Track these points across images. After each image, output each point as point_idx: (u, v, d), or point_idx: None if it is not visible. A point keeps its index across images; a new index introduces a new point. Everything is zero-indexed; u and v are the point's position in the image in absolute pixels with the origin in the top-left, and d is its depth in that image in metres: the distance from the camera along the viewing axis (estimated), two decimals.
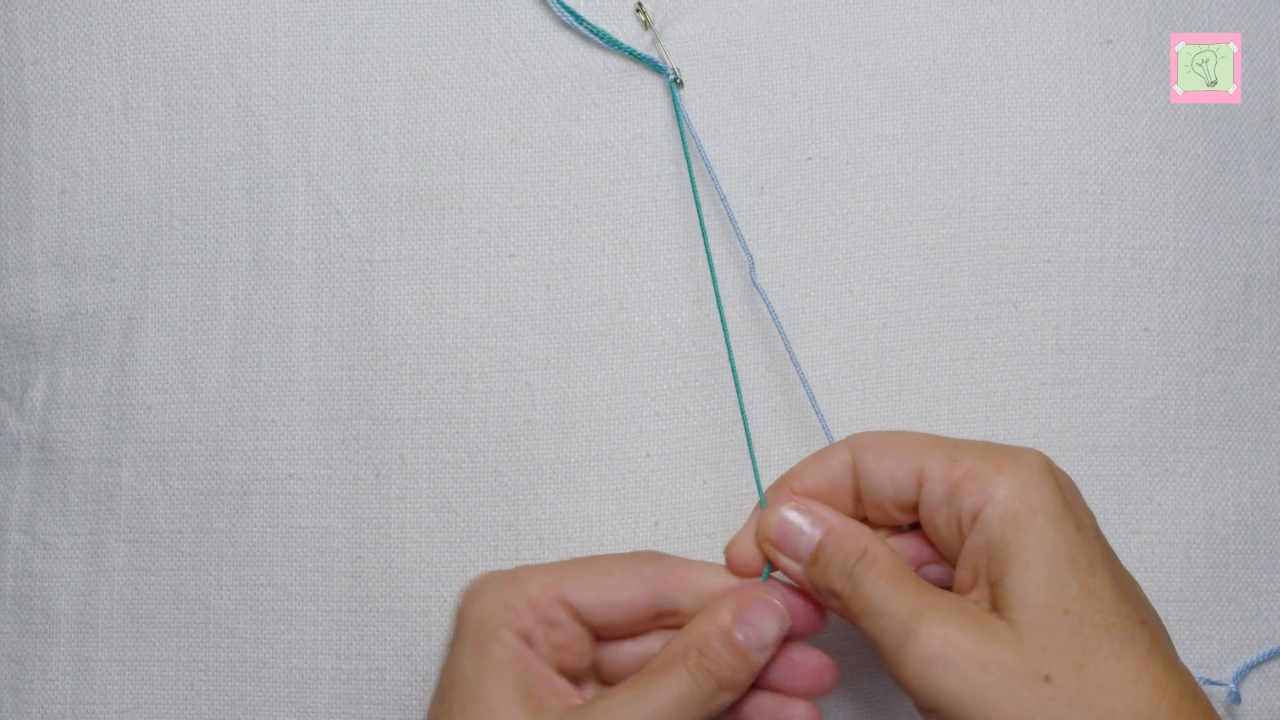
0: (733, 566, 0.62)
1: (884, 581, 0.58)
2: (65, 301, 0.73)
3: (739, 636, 0.60)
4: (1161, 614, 0.70)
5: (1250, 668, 0.71)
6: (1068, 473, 0.61)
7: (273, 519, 0.71)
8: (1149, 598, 0.68)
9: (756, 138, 0.71)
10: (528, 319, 0.71)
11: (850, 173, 0.71)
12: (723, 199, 0.70)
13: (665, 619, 0.62)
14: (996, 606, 0.57)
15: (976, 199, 0.71)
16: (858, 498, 0.61)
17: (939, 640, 0.56)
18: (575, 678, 0.62)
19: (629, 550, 0.66)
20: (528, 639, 0.60)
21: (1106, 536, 0.68)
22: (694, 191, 0.70)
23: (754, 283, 0.70)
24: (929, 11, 0.72)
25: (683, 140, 0.71)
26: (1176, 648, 0.61)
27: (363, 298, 0.71)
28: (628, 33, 0.72)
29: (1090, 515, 0.59)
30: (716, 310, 0.71)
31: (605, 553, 0.70)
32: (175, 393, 0.72)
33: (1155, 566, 0.71)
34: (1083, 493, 0.69)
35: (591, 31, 0.71)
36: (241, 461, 0.71)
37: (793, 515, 0.61)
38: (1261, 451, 0.73)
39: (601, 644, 0.63)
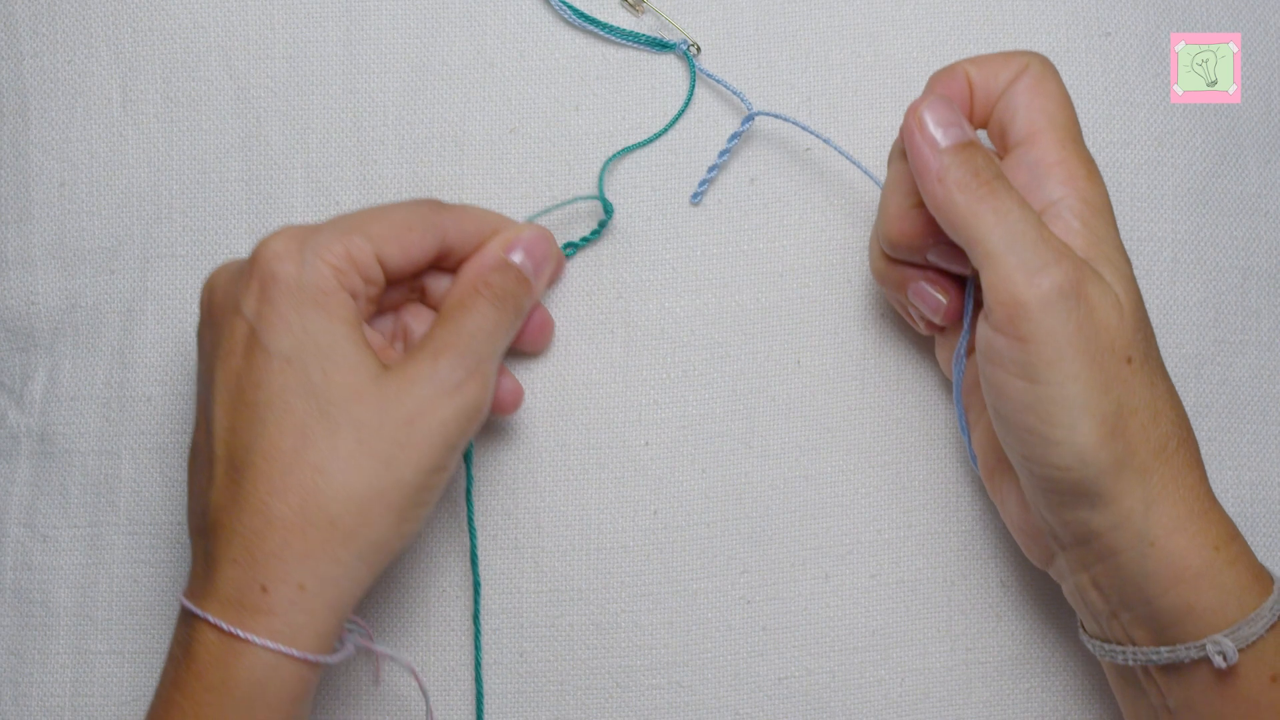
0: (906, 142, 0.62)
1: (1025, 204, 0.60)
2: (65, 294, 0.73)
3: (516, 259, 0.66)
4: None
5: None
6: None
7: None
8: None
9: (755, 128, 0.72)
10: None
11: (849, 164, 0.71)
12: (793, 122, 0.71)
13: (440, 262, 0.67)
14: (1088, 298, 0.60)
15: None
16: (994, 105, 0.64)
17: (1075, 281, 0.58)
18: (369, 321, 0.66)
19: (636, 530, 0.69)
20: (355, 298, 0.63)
21: None
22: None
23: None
24: (928, 2, 0.72)
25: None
26: None
27: None
28: (625, 23, 0.72)
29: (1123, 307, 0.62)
30: (715, 299, 0.71)
31: (603, 538, 0.70)
32: (175, 385, 0.72)
33: None
34: None
35: (596, 26, 0.71)
36: None
37: (948, 108, 0.62)
38: (1260, 443, 0.73)
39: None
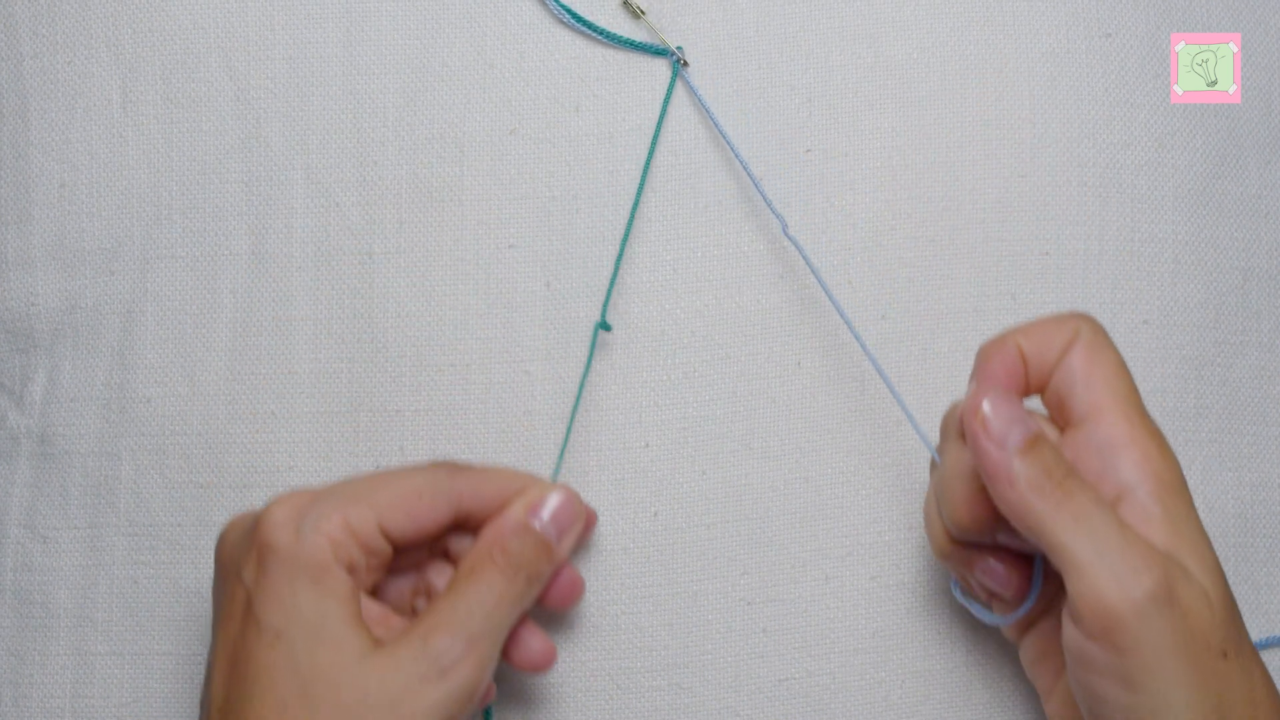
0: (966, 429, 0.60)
1: (1103, 505, 0.57)
2: (65, 295, 0.73)
3: (536, 525, 0.64)
4: None
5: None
6: None
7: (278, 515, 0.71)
8: None
9: (755, 130, 0.72)
10: (527, 310, 0.71)
11: (849, 165, 0.71)
12: (745, 167, 0.71)
13: (460, 525, 0.65)
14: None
15: (975, 191, 0.71)
16: (1049, 375, 0.62)
17: (1166, 587, 0.56)
18: (376, 591, 0.64)
19: (636, 532, 0.68)
20: (352, 570, 0.62)
21: None
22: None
23: (787, 235, 0.69)
24: (928, 4, 0.72)
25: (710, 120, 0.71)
26: None
27: (362, 290, 0.71)
28: (624, 26, 0.72)
29: (1216, 606, 0.59)
30: (714, 300, 0.71)
31: (603, 540, 0.70)
32: (175, 386, 0.72)
33: None
34: None
35: (591, 29, 0.71)
36: (241, 454, 0.71)
37: (1010, 402, 0.58)
38: (1260, 445, 0.73)
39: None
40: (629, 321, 0.71)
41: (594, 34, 0.72)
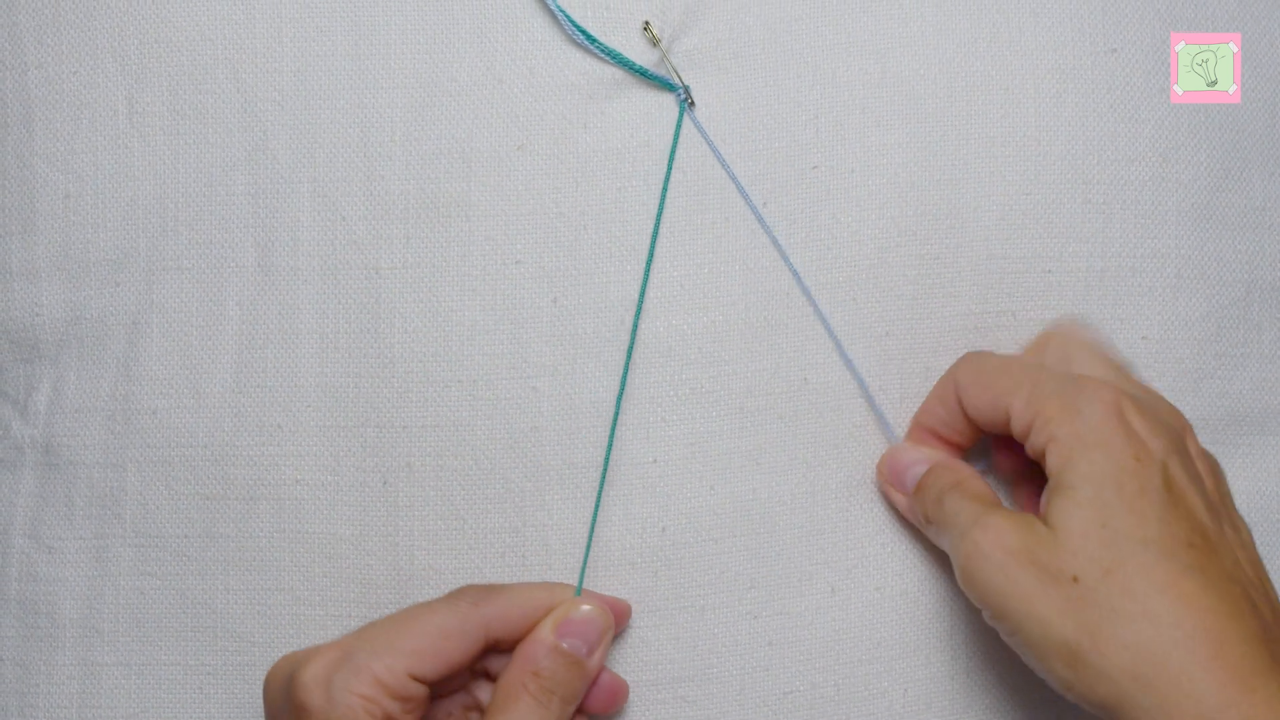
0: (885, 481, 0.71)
1: (962, 499, 0.65)
2: (69, 306, 0.73)
3: (566, 646, 0.65)
4: None
5: None
6: None
7: (279, 525, 0.71)
8: None
9: (762, 147, 0.72)
10: (534, 326, 0.71)
11: (855, 181, 0.71)
12: (754, 208, 0.71)
13: (492, 649, 0.66)
14: (1046, 521, 0.62)
15: (980, 208, 0.72)
16: (968, 423, 0.69)
17: (988, 539, 0.62)
18: None
19: (644, 548, 0.70)
20: None
21: None
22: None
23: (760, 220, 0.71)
24: (934, 21, 0.72)
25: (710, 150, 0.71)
26: None
27: (369, 304, 0.71)
28: (636, 45, 0.72)
29: (1171, 447, 0.63)
30: (723, 317, 0.71)
31: (611, 555, 0.70)
32: (180, 397, 0.72)
33: None
34: None
35: (602, 50, 0.71)
36: (247, 467, 0.71)
37: (901, 453, 0.70)
38: (1258, 457, 0.73)
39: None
40: (638, 338, 0.71)
41: (605, 57, 0.71)
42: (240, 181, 0.72)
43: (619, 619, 0.69)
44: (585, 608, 0.66)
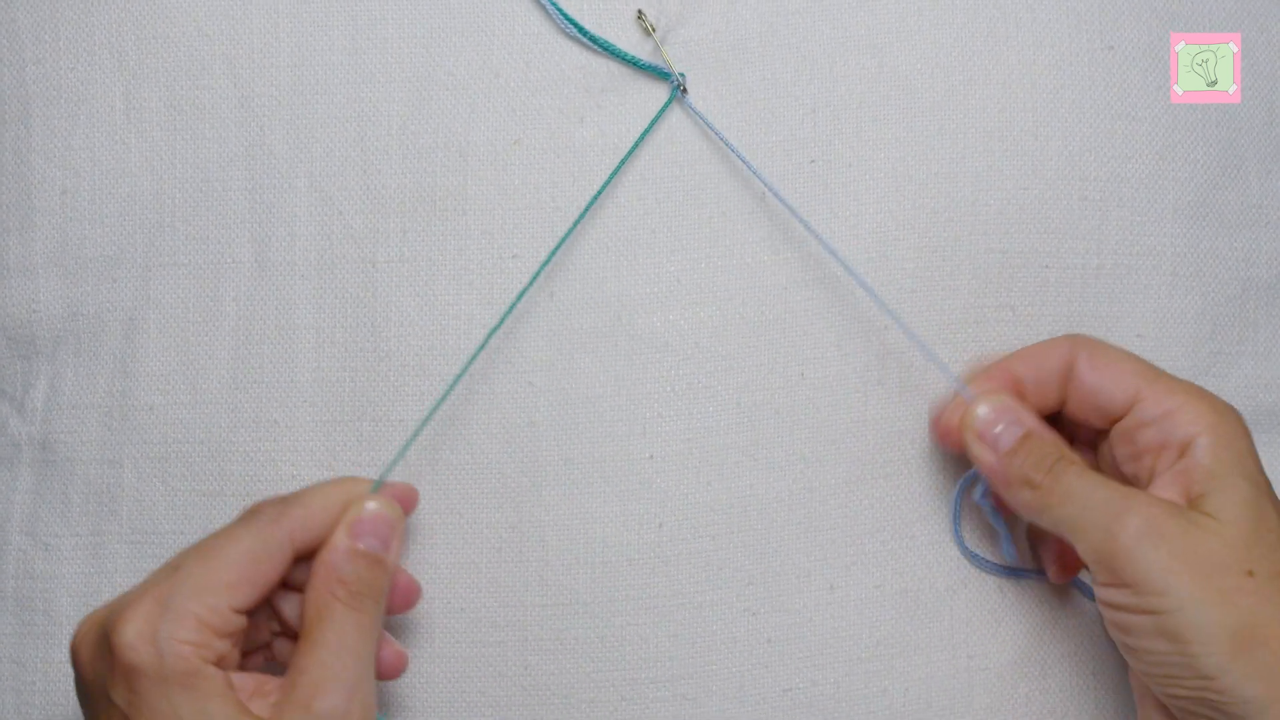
0: (942, 439, 0.69)
1: (1089, 476, 0.64)
2: (67, 302, 0.73)
3: (363, 547, 0.64)
4: None
5: None
6: None
7: None
8: None
9: (759, 141, 0.72)
10: (530, 321, 0.71)
11: (853, 176, 0.71)
12: (770, 186, 0.71)
13: (297, 560, 0.65)
14: (1206, 511, 0.62)
15: (978, 203, 0.71)
16: (1058, 392, 0.67)
17: (1147, 523, 0.61)
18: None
19: (641, 544, 0.71)
20: (221, 661, 0.61)
21: None
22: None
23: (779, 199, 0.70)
24: (932, 15, 0.72)
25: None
26: None
27: (365, 299, 0.71)
28: (632, 37, 0.72)
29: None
30: (719, 312, 0.71)
31: (608, 551, 0.70)
32: (177, 394, 0.72)
33: None
34: None
35: (594, 41, 0.71)
36: (244, 463, 0.71)
37: (1001, 407, 0.66)
38: None
39: None
40: (633, 333, 0.71)
41: (598, 48, 0.71)
42: (237, 177, 0.72)
43: (406, 505, 0.68)
44: (371, 505, 0.65)
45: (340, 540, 0.64)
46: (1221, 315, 0.73)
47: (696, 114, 0.71)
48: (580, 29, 0.71)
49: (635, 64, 0.71)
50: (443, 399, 0.69)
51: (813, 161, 0.72)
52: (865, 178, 0.71)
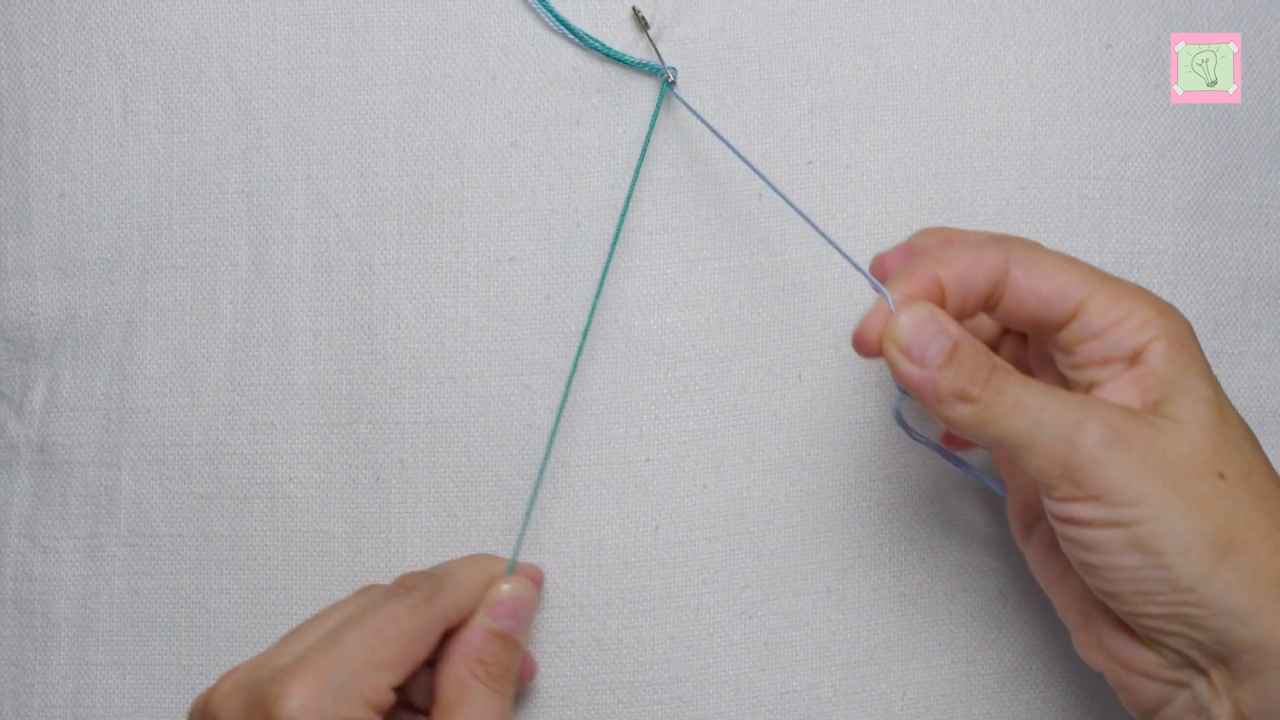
0: (860, 349, 0.60)
1: (1032, 383, 0.59)
2: (64, 304, 0.73)
3: (500, 628, 0.65)
4: None
5: None
6: None
7: (273, 523, 0.71)
8: None
9: (756, 142, 0.71)
10: (527, 323, 0.71)
11: (850, 177, 0.71)
12: (761, 178, 0.70)
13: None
14: (1169, 416, 0.58)
15: (976, 203, 0.71)
16: (980, 301, 0.61)
17: (1115, 425, 0.57)
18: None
19: (637, 547, 0.70)
20: None
21: None
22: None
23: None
24: (928, 15, 0.72)
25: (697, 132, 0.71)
26: None
27: (362, 301, 0.71)
28: (628, 37, 0.72)
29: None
30: (716, 314, 0.71)
31: (604, 554, 0.70)
32: (175, 396, 0.72)
33: None
34: None
35: (582, 39, 0.71)
36: (241, 465, 0.71)
37: (926, 316, 0.59)
38: None
39: None
40: (629, 335, 0.71)
41: (585, 44, 0.71)
42: (234, 180, 0.72)
43: (536, 584, 0.70)
44: (506, 586, 0.66)
45: (481, 621, 0.66)
46: (1223, 315, 0.73)
47: (685, 105, 0.71)
48: (569, 26, 0.71)
49: (623, 60, 0.71)
50: (545, 460, 0.70)
51: (810, 163, 0.72)
52: (863, 179, 0.71)
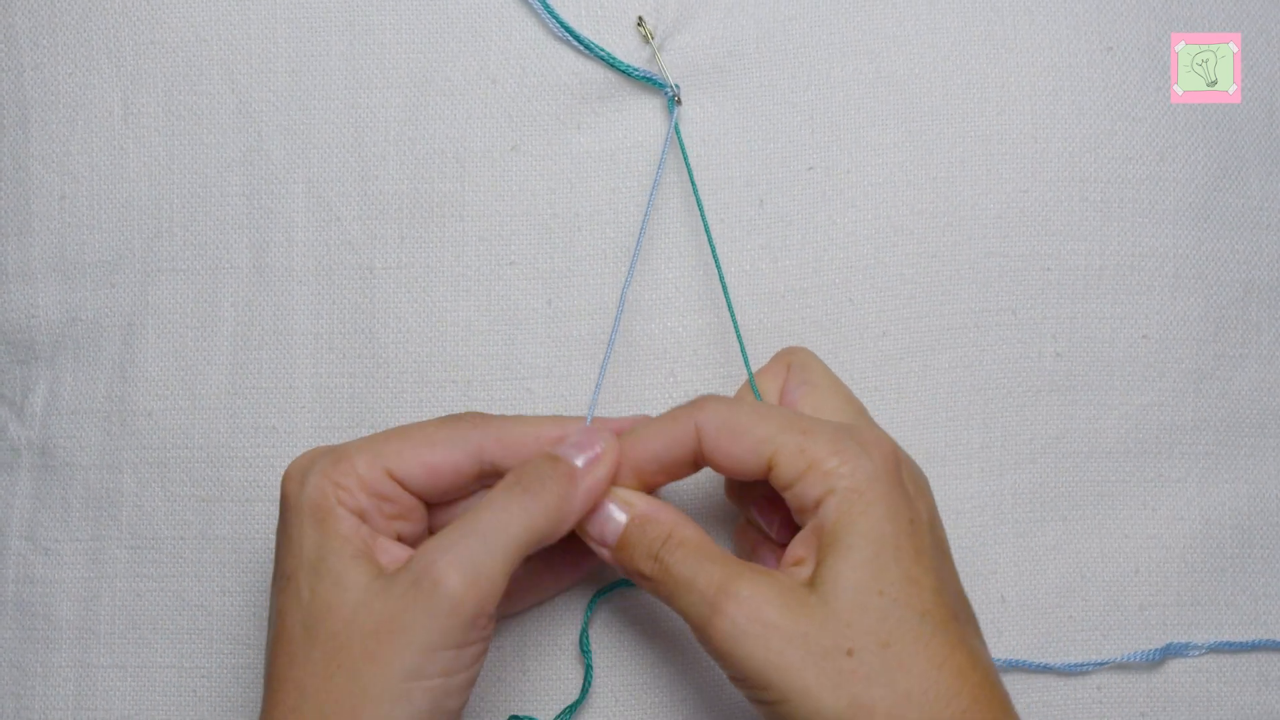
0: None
1: (691, 560, 0.60)
2: (65, 307, 0.73)
3: (560, 451, 0.62)
4: (1157, 618, 0.71)
5: (1230, 646, 0.71)
6: (1064, 477, 0.68)
7: (275, 525, 0.71)
8: (1146, 602, 0.71)
9: (757, 148, 0.71)
10: (529, 327, 0.71)
11: (851, 182, 0.71)
12: (704, 220, 0.70)
13: (491, 478, 0.64)
14: (815, 585, 0.59)
15: (977, 207, 0.71)
16: (686, 466, 0.63)
17: (745, 613, 0.58)
18: (416, 543, 0.64)
19: None
20: (363, 516, 0.62)
21: (1100, 540, 0.71)
22: (701, 212, 0.70)
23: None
24: (929, 20, 0.72)
25: (685, 157, 0.71)
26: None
27: (363, 305, 0.71)
28: (629, 44, 0.72)
29: (931, 509, 0.62)
30: (717, 319, 0.71)
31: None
32: (176, 399, 0.72)
33: (1152, 571, 0.71)
34: (1079, 498, 0.71)
35: (587, 47, 0.71)
36: (243, 468, 0.71)
37: (597, 495, 0.63)
38: (1258, 457, 0.73)
39: (435, 508, 0.65)
40: (631, 340, 0.71)
41: (592, 54, 0.71)
42: (235, 183, 0.72)
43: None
44: (581, 424, 0.64)
45: (539, 446, 0.63)
46: (1225, 318, 0.73)
47: (676, 131, 0.71)
48: (573, 34, 0.71)
49: (628, 72, 0.71)
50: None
51: (811, 169, 0.71)
52: (864, 184, 0.71)
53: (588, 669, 0.69)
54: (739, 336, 0.68)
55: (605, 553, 0.63)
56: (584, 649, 0.69)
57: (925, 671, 0.57)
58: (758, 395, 0.65)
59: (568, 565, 0.68)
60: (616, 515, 0.63)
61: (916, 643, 0.58)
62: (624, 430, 0.64)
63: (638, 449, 0.63)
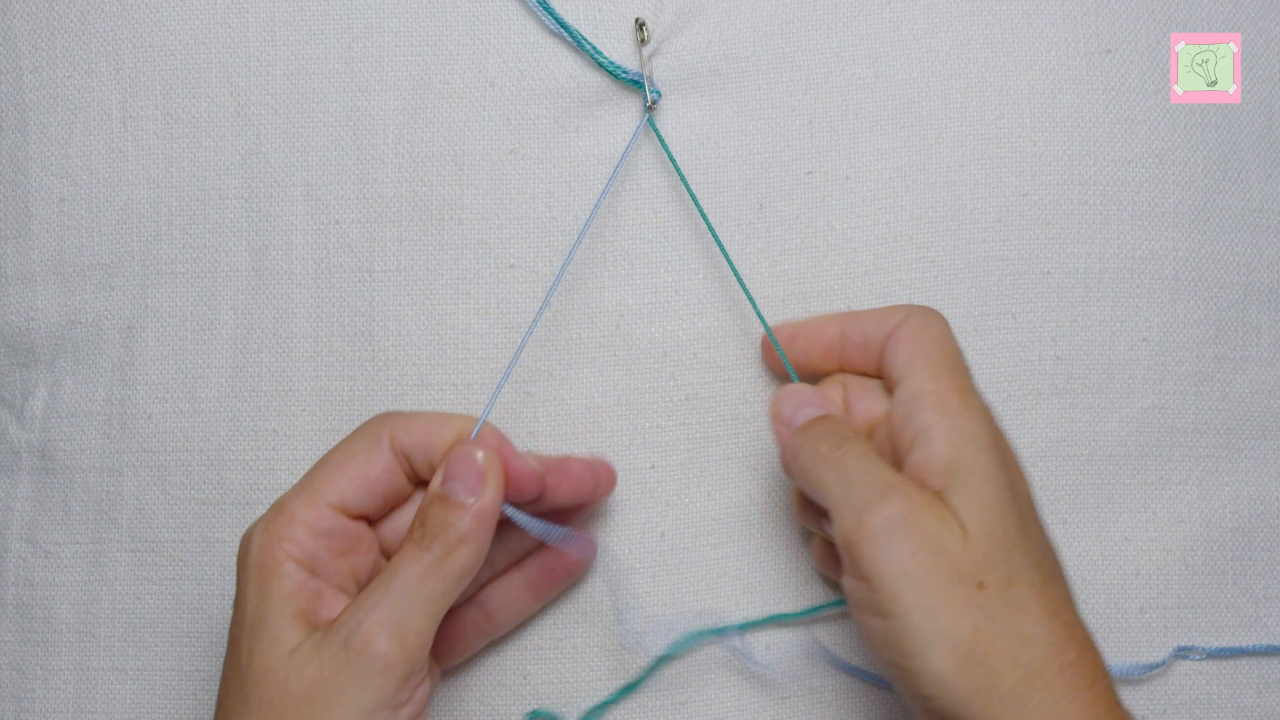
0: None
1: (870, 455, 0.61)
2: (65, 310, 0.73)
3: (446, 490, 0.62)
4: (1158, 620, 0.71)
5: (1235, 651, 0.71)
6: (1064, 480, 0.70)
7: None
8: (1147, 604, 0.71)
9: (756, 152, 0.71)
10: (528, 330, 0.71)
11: (850, 186, 0.71)
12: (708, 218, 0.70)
13: (417, 475, 0.65)
14: (954, 514, 0.59)
15: (976, 210, 0.71)
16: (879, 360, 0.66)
17: (903, 514, 0.59)
18: (373, 576, 0.64)
19: (643, 553, 0.71)
20: (311, 565, 0.62)
21: (1101, 543, 0.72)
22: (702, 216, 0.70)
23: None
24: (928, 24, 0.72)
25: (671, 158, 0.71)
26: None
27: (363, 308, 0.71)
28: (626, 48, 0.71)
29: (1022, 472, 0.63)
30: (717, 322, 0.71)
31: (610, 560, 0.70)
32: (176, 402, 0.72)
33: (1153, 573, 0.71)
34: (1080, 501, 0.71)
35: (578, 41, 0.71)
36: (243, 471, 0.71)
37: (803, 392, 0.65)
38: (1258, 459, 0.73)
39: (382, 526, 0.65)
40: (632, 343, 0.71)
41: (581, 48, 0.71)
42: (234, 185, 0.72)
43: (503, 453, 0.65)
44: (462, 449, 0.63)
45: (434, 481, 0.63)
46: (1225, 320, 0.73)
47: (658, 134, 0.71)
48: (565, 26, 0.71)
49: (616, 74, 0.71)
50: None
51: (809, 173, 0.71)
52: (862, 188, 0.71)
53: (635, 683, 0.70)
54: (755, 309, 0.68)
55: (784, 430, 0.64)
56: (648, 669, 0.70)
57: (1039, 619, 0.58)
58: (790, 370, 0.68)
59: (545, 579, 0.69)
60: (818, 406, 0.64)
61: (1032, 588, 0.59)
62: (504, 448, 0.64)
63: (844, 326, 0.67)
